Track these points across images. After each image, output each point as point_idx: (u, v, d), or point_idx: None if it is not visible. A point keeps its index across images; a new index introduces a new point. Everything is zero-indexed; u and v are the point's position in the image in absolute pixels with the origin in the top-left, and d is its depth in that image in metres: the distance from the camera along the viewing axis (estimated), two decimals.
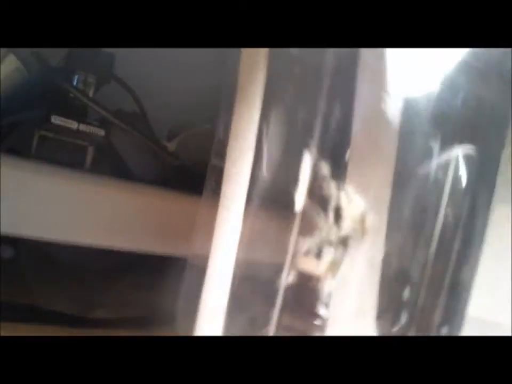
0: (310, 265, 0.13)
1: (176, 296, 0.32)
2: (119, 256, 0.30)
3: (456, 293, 0.19)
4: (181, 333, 0.18)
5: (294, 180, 0.15)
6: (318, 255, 0.13)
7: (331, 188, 0.13)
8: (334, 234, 0.13)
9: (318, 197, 0.14)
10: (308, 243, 0.13)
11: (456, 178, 0.18)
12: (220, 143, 0.20)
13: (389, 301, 0.19)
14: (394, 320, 0.19)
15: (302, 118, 0.16)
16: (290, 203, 0.14)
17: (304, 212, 0.14)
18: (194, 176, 0.37)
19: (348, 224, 0.13)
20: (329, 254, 0.13)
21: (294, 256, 0.13)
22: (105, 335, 0.26)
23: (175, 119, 0.39)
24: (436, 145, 0.18)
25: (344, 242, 0.13)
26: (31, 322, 0.26)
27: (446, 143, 0.18)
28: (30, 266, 0.32)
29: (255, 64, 0.15)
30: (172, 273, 0.32)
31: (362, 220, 0.13)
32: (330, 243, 0.13)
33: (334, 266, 0.13)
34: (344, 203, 0.13)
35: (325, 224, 0.13)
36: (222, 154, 0.19)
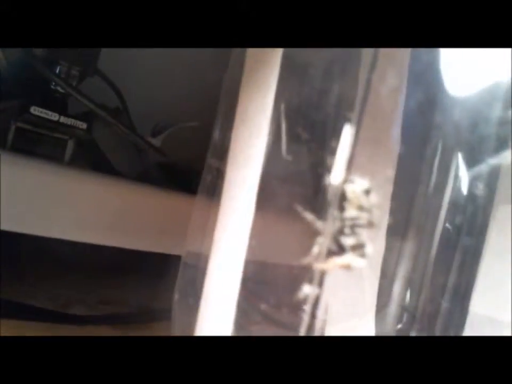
0: (330, 264, 0.13)
1: (161, 295, 0.31)
2: (101, 252, 0.30)
3: (459, 291, 0.19)
4: (178, 333, 0.18)
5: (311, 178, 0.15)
6: (339, 249, 0.13)
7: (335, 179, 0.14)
8: (345, 225, 0.13)
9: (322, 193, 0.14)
10: (322, 243, 0.13)
11: (457, 180, 0.19)
12: (218, 143, 0.19)
13: (388, 300, 0.19)
14: (396, 319, 0.19)
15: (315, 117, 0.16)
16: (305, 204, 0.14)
17: (315, 211, 0.14)
18: (178, 173, 0.37)
19: (353, 212, 0.13)
20: (348, 242, 0.13)
21: (311, 257, 0.13)
22: (101, 336, 0.25)
23: (157, 116, 0.38)
24: (438, 147, 0.18)
25: (355, 228, 0.13)
26: (9, 317, 0.25)
27: (448, 145, 0.18)
28: (6, 261, 0.31)
29: (265, 59, 0.15)
30: (157, 271, 0.32)
31: (369, 204, 0.13)
32: (344, 234, 0.13)
33: (359, 248, 0.13)
34: (349, 192, 0.13)
35: (334, 218, 0.13)
36: (219, 155, 0.19)
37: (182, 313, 0.18)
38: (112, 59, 0.36)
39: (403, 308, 0.19)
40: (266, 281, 0.16)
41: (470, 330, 0.18)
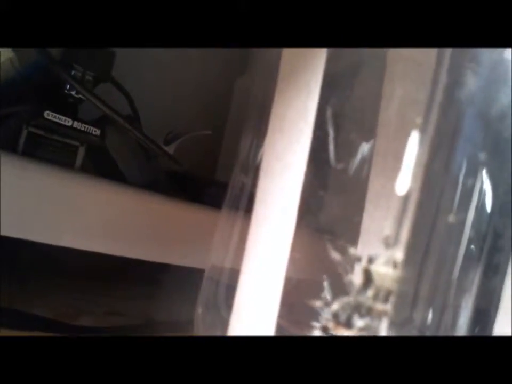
0: (337, 331, 0.13)
1: (168, 307, 0.30)
2: (109, 262, 0.29)
3: (483, 311, 0.19)
4: None
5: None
6: (348, 322, 0.13)
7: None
8: (363, 301, 0.13)
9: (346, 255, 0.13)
10: (336, 305, 0.13)
11: (483, 194, 0.19)
12: (245, 157, 0.19)
13: (409, 317, 0.19)
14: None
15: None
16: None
17: (334, 269, 0.13)
18: (187, 182, 0.36)
19: (375, 292, 0.13)
20: (359, 323, 0.12)
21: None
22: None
23: (166, 124, 0.38)
24: (463, 163, 0.18)
25: (373, 311, 0.12)
26: (11, 327, 0.24)
27: (472, 160, 0.18)
28: (12, 269, 0.30)
29: (306, 61, 0.14)
30: (166, 282, 0.31)
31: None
32: (358, 311, 0.12)
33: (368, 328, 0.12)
34: (378, 265, 0.13)
35: (353, 288, 0.13)
36: (246, 170, 0.19)
37: (206, 326, 0.18)
38: (124, 68, 0.35)
39: (424, 326, 0.19)
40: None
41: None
